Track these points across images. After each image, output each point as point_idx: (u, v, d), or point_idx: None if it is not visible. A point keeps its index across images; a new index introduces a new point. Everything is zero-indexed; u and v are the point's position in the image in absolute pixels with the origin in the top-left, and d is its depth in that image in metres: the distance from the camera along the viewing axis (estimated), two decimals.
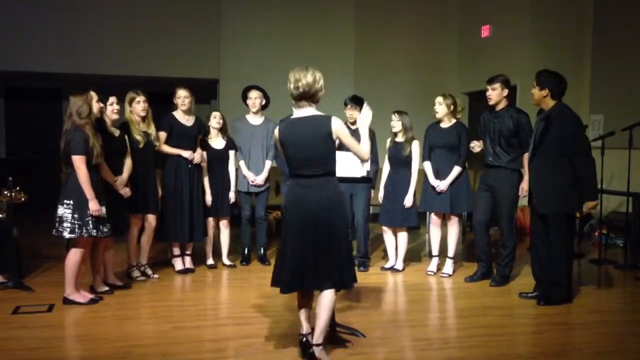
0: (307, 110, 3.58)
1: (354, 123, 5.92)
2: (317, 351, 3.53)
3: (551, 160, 4.83)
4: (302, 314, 3.69)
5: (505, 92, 5.49)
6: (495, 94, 5.48)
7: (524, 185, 5.40)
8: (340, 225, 3.56)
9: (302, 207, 3.53)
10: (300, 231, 3.52)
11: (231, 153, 6.17)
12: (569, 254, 5.01)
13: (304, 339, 3.66)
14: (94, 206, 4.60)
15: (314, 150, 3.51)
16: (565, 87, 4.92)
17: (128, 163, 5.27)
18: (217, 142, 6.13)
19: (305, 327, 3.68)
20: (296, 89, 3.51)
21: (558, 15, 8.56)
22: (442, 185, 5.79)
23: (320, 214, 3.50)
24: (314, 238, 3.50)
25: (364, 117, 3.73)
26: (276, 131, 3.65)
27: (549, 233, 4.94)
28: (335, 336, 4.04)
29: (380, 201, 6.08)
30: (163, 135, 5.76)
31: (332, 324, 4.10)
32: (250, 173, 6.21)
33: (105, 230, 4.77)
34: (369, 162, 4.16)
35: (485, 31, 9.49)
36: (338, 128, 3.52)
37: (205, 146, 6.06)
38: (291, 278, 3.52)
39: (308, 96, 3.54)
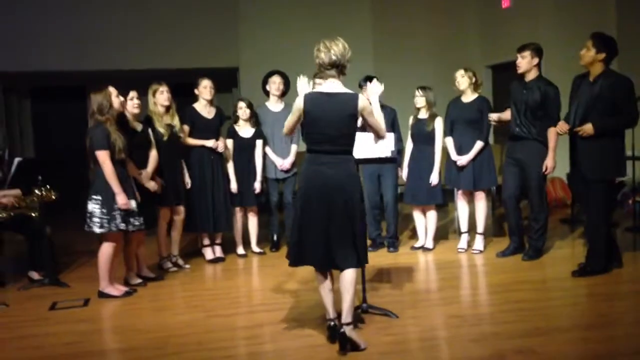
0: (334, 84, 3.56)
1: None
2: (348, 330, 3.50)
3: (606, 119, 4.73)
4: (326, 299, 3.67)
5: (536, 60, 5.36)
6: (525, 62, 5.37)
7: (549, 162, 5.28)
8: (356, 205, 3.56)
9: (319, 182, 3.53)
10: (313, 207, 3.54)
11: (258, 142, 6.16)
12: (609, 222, 4.91)
13: (332, 323, 3.66)
14: (121, 200, 4.65)
15: (338, 128, 3.52)
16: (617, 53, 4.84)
17: (153, 156, 5.30)
18: (245, 130, 6.11)
19: (331, 312, 3.67)
20: (328, 56, 3.49)
21: None
22: (463, 160, 5.72)
23: (336, 191, 3.51)
24: (327, 215, 3.51)
25: (373, 88, 3.82)
26: (300, 102, 3.59)
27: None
28: (366, 317, 4.03)
29: (405, 180, 6.04)
30: (185, 128, 5.78)
31: (363, 305, 4.10)
32: (278, 158, 6.20)
33: (136, 223, 4.82)
34: (392, 139, 4.16)
35: (505, 1, 9.29)
36: (365, 106, 3.55)
37: (234, 134, 6.07)
38: (301, 253, 3.59)
39: (338, 64, 3.52)
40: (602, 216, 4.82)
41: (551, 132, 5.23)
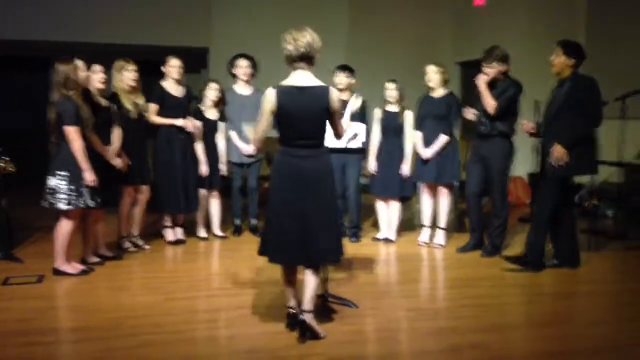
0: (305, 77, 3.49)
1: (342, 90, 5.79)
2: (308, 318, 3.50)
3: (569, 124, 4.82)
4: (288, 289, 3.69)
5: (503, 67, 5.41)
6: (493, 72, 5.41)
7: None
8: (331, 196, 3.55)
9: (294, 176, 3.48)
10: (289, 200, 3.48)
11: (222, 125, 6.08)
12: (571, 222, 5.17)
13: (292, 311, 3.66)
14: (90, 176, 4.56)
15: (313, 122, 3.47)
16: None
17: (117, 133, 5.19)
18: (211, 112, 6.03)
19: (292, 300, 3.68)
20: (296, 49, 3.41)
21: None
22: (427, 152, 5.76)
23: (312, 184, 3.47)
24: (302, 209, 3.47)
25: (353, 104, 3.81)
26: (272, 97, 3.47)
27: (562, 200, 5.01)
28: (326, 306, 4.04)
29: (371, 172, 6.05)
30: (153, 106, 5.66)
31: (324, 294, 4.11)
32: (242, 143, 6.13)
33: (99, 200, 4.73)
34: (364, 130, 4.18)
35: None
36: (334, 100, 3.51)
37: (200, 116, 5.97)
38: (279, 249, 3.52)
39: (307, 57, 3.45)
40: (547, 213, 4.98)
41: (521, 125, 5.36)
